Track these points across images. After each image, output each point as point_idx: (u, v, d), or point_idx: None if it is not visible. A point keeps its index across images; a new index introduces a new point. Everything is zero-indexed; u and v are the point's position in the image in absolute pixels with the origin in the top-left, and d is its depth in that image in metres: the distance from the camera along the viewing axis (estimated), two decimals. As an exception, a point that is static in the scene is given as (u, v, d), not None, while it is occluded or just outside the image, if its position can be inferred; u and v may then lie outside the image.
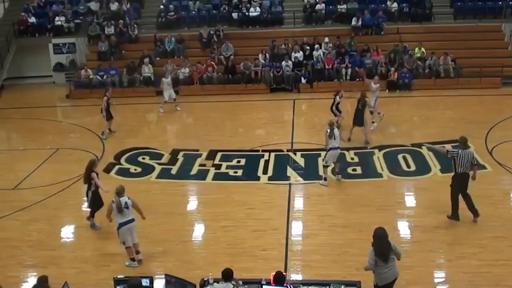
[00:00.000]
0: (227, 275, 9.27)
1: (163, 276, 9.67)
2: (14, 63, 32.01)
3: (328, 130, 16.07)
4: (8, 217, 15.38)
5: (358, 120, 19.31)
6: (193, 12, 31.78)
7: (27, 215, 15.27)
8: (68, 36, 31.70)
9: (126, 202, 12.26)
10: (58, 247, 13.83)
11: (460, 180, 13.47)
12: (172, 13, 31.37)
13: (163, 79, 24.84)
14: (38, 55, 31.85)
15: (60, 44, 31.66)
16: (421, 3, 30.73)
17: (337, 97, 20.84)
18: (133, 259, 12.48)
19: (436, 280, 11.60)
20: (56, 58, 31.83)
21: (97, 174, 14.26)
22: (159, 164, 18.73)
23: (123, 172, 18.14)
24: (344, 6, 30.82)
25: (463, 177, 13.43)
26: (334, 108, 20.93)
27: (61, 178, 17.57)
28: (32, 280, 11.80)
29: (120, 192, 12.29)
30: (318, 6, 30.91)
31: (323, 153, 18.08)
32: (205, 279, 9.64)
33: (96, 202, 14.30)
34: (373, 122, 21.01)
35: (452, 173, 13.63)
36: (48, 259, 13.12)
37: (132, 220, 12.41)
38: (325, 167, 16.50)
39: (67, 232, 14.74)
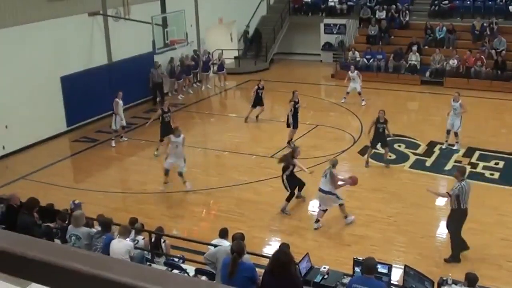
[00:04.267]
0: (472, 279, 8.95)
1: (402, 266, 9.66)
2: (285, 39, 33.68)
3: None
4: (262, 182, 16.50)
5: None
6: (468, 2, 30.60)
7: (278, 183, 15.44)
8: (340, 17, 32.44)
9: (326, 174, 13.55)
10: (305, 219, 14.47)
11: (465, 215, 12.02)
12: (446, 2, 30.50)
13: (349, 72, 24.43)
14: (309, 33, 33.11)
15: (331, 25, 32.56)
16: None
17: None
18: (317, 221, 13.69)
19: None
20: (325, 37, 32.86)
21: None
22: (414, 154, 18.57)
23: (378, 157, 18.20)
24: None
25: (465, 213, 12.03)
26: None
27: (315, 154, 18.22)
28: (275, 245, 12.52)
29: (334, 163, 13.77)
30: None
31: None
32: (444, 278, 9.45)
33: (294, 184, 14.90)
34: None
35: None
36: (294, 228, 13.85)
37: (321, 191, 13.59)
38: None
39: (314, 206, 15.32)
